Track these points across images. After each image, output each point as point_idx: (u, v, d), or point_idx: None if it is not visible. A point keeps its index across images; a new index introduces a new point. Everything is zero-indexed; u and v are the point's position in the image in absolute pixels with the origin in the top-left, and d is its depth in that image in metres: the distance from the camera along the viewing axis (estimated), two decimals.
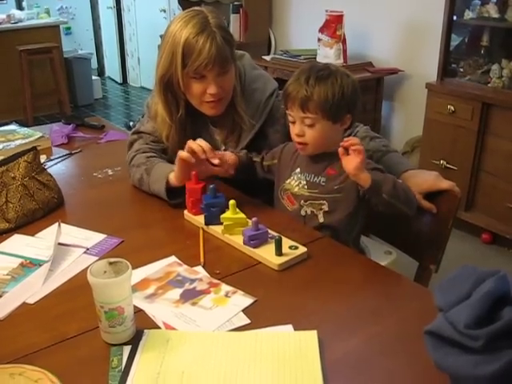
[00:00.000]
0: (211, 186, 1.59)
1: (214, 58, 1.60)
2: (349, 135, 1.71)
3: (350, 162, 1.47)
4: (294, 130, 1.58)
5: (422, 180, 1.61)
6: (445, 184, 1.60)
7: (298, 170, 1.65)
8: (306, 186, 1.62)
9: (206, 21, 1.63)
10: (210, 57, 1.59)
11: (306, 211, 1.62)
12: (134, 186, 1.84)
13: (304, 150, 1.61)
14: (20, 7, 7.25)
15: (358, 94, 1.58)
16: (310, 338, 1.11)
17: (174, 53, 1.63)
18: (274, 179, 1.74)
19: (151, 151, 1.85)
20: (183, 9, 4.92)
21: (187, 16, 1.65)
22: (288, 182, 1.67)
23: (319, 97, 1.51)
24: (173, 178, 1.67)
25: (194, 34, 1.60)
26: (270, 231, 1.48)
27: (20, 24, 5.98)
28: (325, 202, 1.59)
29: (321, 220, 1.60)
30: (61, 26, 6.37)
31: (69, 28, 7.57)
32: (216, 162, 1.60)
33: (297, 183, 1.64)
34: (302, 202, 1.62)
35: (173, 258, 1.42)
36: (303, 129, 1.56)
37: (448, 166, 3.39)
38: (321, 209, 1.59)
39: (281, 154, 1.73)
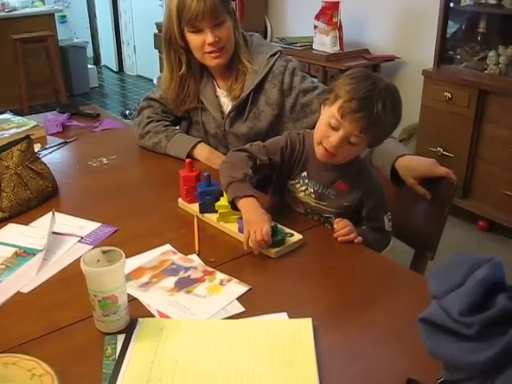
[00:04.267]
0: (206, 174, 1.58)
1: (202, 10, 1.74)
2: None
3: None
4: (333, 138, 1.41)
5: (418, 165, 1.61)
6: (441, 170, 1.59)
7: (305, 174, 1.55)
8: (312, 195, 1.54)
9: None
10: (199, 8, 1.74)
11: (313, 217, 1.58)
12: (144, 147, 2.06)
13: (327, 159, 1.46)
14: None
15: None
16: (305, 325, 1.11)
17: (171, 11, 1.82)
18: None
19: (163, 120, 2.06)
20: None
21: None
22: (292, 183, 1.58)
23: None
24: (197, 154, 1.95)
25: None
26: None
27: (14, 12, 5.92)
28: (332, 215, 1.53)
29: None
30: (56, 15, 6.31)
31: (64, 16, 7.50)
32: None
33: (303, 189, 1.56)
34: (309, 210, 1.57)
35: (167, 247, 1.42)
36: (344, 143, 1.41)
37: (444, 153, 3.39)
38: (328, 221, 1.55)
39: (286, 146, 1.56)
